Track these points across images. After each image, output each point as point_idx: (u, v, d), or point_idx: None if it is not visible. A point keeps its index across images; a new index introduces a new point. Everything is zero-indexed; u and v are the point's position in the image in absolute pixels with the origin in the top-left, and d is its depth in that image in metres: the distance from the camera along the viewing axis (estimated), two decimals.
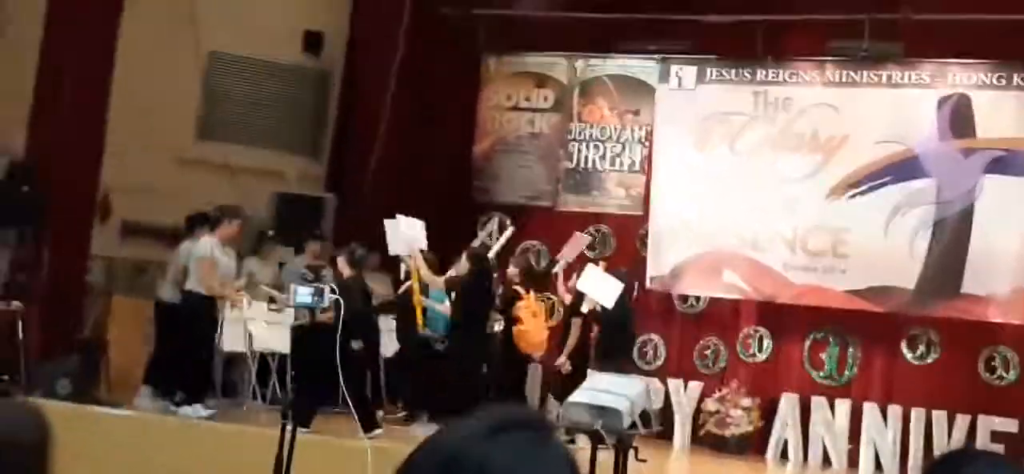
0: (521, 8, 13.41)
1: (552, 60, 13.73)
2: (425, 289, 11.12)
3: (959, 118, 11.90)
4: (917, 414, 11.88)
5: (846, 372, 12.40)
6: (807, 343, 12.55)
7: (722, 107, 12.75)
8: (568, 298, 11.63)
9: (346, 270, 10.22)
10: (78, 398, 10.05)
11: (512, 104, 13.82)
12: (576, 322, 11.36)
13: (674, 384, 12.67)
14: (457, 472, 1.34)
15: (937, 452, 11.39)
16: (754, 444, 12.23)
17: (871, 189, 12.13)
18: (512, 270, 11.47)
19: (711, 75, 12.85)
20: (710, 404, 12.36)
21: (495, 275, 11.13)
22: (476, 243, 12.18)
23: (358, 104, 13.77)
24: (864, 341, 12.38)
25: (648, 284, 12.85)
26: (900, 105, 12.23)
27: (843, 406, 12.15)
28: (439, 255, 11.32)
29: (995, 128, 11.84)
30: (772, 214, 12.42)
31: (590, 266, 11.52)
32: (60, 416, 8.59)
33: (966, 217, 11.79)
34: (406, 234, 10.42)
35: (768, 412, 12.33)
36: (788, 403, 12.31)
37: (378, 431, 9.53)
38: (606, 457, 7.80)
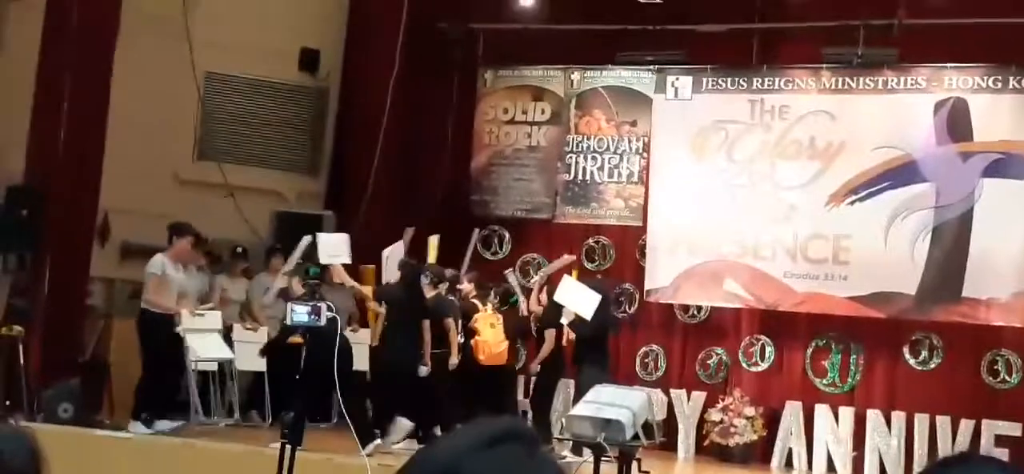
0: (517, 21, 13.42)
1: (548, 73, 13.74)
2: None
3: (956, 122, 11.91)
4: (921, 420, 11.86)
5: (849, 379, 12.38)
6: (809, 351, 12.53)
7: (719, 116, 12.76)
8: (539, 310, 11.64)
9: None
10: (80, 422, 10.05)
11: (509, 117, 13.83)
12: (549, 333, 11.38)
13: (677, 394, 12.66)
14: None
15: (941, 457, 11.37)
16: (758, 453, 12.21)
17: (870, 195, 12.13)
18: (466, 286, 11.51)
19: (707, 84, 12.86)
20: (713, 414, 12.34)
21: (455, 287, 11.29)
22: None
23: (355, 121, 13.77)
24: (866, 348, 12.36)
25: (647, 296, 12.85)
26: (897, 110, 12.24)
27: (846, 413, 12.13)
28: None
29: (992, 131, 11.85)
30: (772, 222, 12.42)
31: (566, 278, 11.56)
32: (62, 440, 8.64)
33: (965, 221, 11.79)
34: (331, 247, 10.52)
35: (772, 421, 12.31)
36: (792, 411, 12.29)
37: (376, 442, 9.52)
38: (609, 469, 7.79)
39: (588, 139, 13.52)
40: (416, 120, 13.75)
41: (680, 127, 12.87)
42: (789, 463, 12.18)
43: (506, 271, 12.48)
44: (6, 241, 11.17)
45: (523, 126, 13.77)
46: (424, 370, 10.63)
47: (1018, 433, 11.53)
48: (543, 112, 13.71)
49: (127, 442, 9.62)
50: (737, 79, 12.80)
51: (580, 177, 13.51)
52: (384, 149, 13.23)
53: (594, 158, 13.47)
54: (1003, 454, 11.18)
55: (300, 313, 7.32)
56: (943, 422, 11.80)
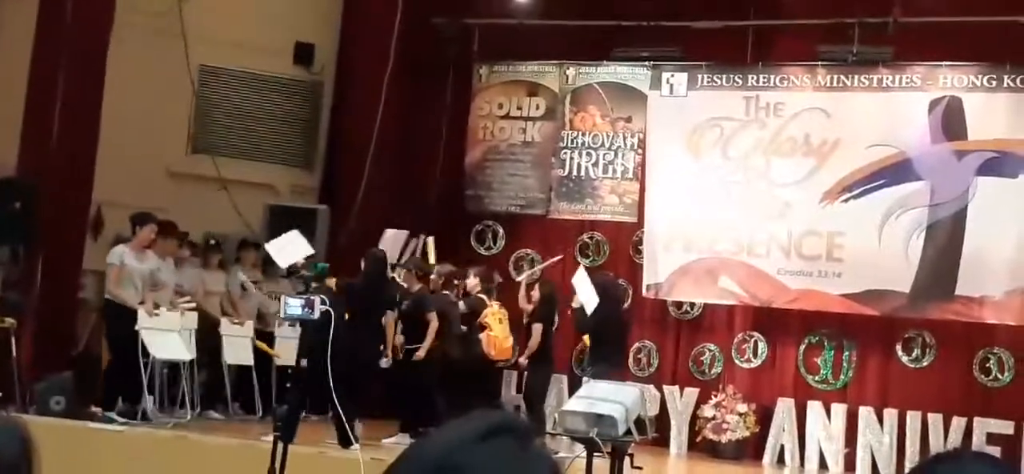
0: (512, 16, 13.41)
1: (543, 68, 13.74)
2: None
3: (950, 120, 11.92)
4: (913, 417, 11.89)
5: (842, 376, 12.40)
6: (802, 347, 12.55)
7: (714, 113, 12.76)
8: (529, 307, 11.67)
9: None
10: (72, 415, 10.03)
11: (504, 113, 13.83)
12: (536, 327, 11.45)
13: (669, 390, 12.68)
14: None
15: (933, 454, 11.40)
16: (750, 449, 12.23)
17: (864, 193, 12.14)
18: (473, 281, 11.50)
19: (702, 81, 12.87)
20: (706, 410, 12.36)
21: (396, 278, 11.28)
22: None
23: (350, 115, 13.75)
24: (859, 345, 12.39)
25: (644, 292, 12.85)
26: (891, 108, 12.25)
27: (839, 410, 12.15)
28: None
29: (987, 130, 11.86)
30: (766, 219, 12.43)
31: (581, 268, 11.64)
32: (54, 433, 8.62)
33: (959, 219, 11.80)
34: (289, 246, 10.46)
35: (764, 417, 12.33)
36: (784, 408, 12.30)
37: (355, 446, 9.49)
38: (602, 464, 7.79)
39: (583, 135, 13.52)
40: (411, 115, 13.74)
41: (675, 123, 12.87)
42: (781, 459, 12.20)
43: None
44: None
45: (518, 121, 13.76)
46: (385, 362, 10.62)
47: (1010, 431, 11.55)
48: (538, 108, 13.70)
49: (119, 435, 9.61)
50: (732, 76, 12.81)
51: (575, 173, 13.51)
52: (378, 144, 13.22)
53: (589, 154, 13.47)
54: (995, 452, 11.21)
55: (293, 306, 7.30)
56: (935, 420, 11.82)
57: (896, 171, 12.05)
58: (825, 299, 12.22)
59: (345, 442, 9.21)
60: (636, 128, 13.28)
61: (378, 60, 13.23)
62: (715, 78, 12.86)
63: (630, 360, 12.80)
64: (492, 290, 11.55)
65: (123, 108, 11.94)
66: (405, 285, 11.29)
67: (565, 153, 13.56)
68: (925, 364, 12.16)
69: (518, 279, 12.18)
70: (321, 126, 14.14)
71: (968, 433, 11.68)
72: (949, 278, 11.79)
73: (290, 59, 13.91)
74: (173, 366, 11.19)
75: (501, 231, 13.71)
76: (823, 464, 12.08)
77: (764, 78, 12.70)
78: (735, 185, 12.61)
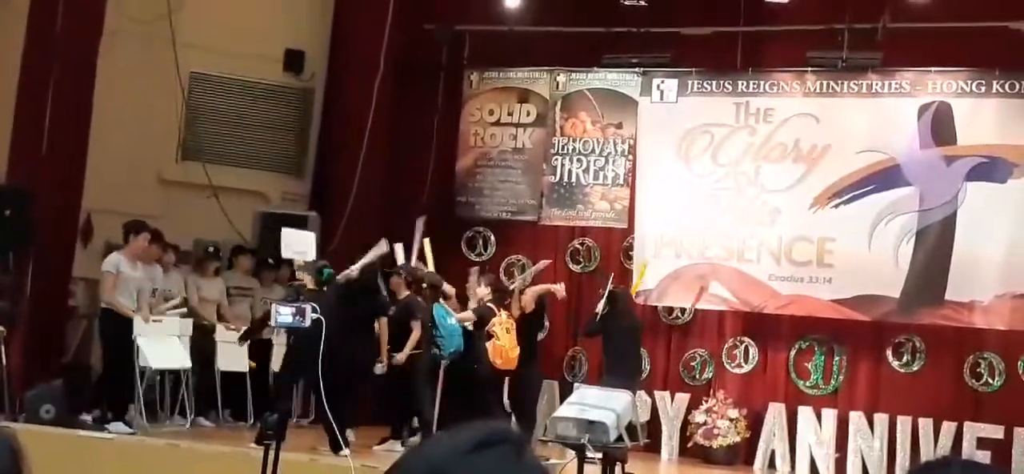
0: (503, 23, 13.42)
1: (534, 75, 13.74)
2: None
3: (940, 126, 11.95)
4: (903, 422, 11.91)
5: (832, 381, 12.42)
6: (793, 353, 12.57)
7: (704, 119, 12.78)
8: (517, 313, 11.73)
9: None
10: (62, 423, 10.00)
11: (495, 119, 13.84)
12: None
13: (660, 396, 12.68)
14: None
15: (924, 459, 11.42)
16: (741, 455, 12.25)
17: (854, 198, 12.17)
18: (483, 290, 11.50)
19: (693, 87, 12.89)
20: (697, 416, 12.37)
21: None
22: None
23: (340, 122, 13.74)
24: (850, 350, 12.41)
25: (634, 297, 12.85)
26: (881, 114, 12.28)
27: (830, 415, 12.16)
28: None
29: (976, 135, 11.90)
30: (756, 225, 12.45)
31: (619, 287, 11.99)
32: (44, 441, 8.59)
33: (949, 224, 11.83)
34: (296, 243, 10.47)
35: (755, 422, 12.34)
36: (775, 413, 12.32)
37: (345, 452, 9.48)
38: (593, 471, 7.80)
39: (573, 141, 13.53)
40: (401, 122, 13.74)
41: (665, 130, 12.89)
42: (772, 465, 12.21)
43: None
44: None
45: (509, 128, 13.77)
46: (380, 368, 10.61)
47: (1000, 436, 11.58)
48: (529, 114, 13.71)
49: (110, 443, 9.59)
50: (722, 82, 12.84)
51: (565, 179, 13.52)
52: (369, 150, 13.21)
53: (579, 160, 13.48)
54: (985, 456, 11.23)
55: (284, 315, 7.29)
56: (926, 424, 11.85)
57: (886, 177, 12.08)
58: (815, 304, 12.24)
59: (336, 447, 9.21)
60: (626, 134, 13.29)
61: (369, 67, 13.22)
62: (705, 84, 12.89)
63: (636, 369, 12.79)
64: (504, 300, 11.60)
65: (113, 115, 11.93)
66: (394, 291, 11.30)
67: (556, 159, 13.57)
68: (915, 369, 12.18)
69: (511, 286, 12.18)
70: (312, 133, 14.12)
71: (958, 438, 11.70)
72: (939, 283, 11.81)
73: (280, 66, 13.89)
74: (170, 374, 11.17)
75: (492, 237, 13.71)
76: (814, 469, 12.09)
77: (754, 84, 12.73)
78: (725, 191, 12.63)
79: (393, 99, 13.52)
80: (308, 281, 10.20)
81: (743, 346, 12.72)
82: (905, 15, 11.86)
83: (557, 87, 13.64)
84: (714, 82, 12.87)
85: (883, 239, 12.01)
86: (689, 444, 12.38)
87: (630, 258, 13.03)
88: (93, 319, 12.09)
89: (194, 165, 13.40)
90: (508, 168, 13.75)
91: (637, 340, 12.03)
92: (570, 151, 13.53)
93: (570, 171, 13.51)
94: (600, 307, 11.52)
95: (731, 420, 12.19)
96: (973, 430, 11.70)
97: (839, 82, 12.37)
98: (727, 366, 12.74)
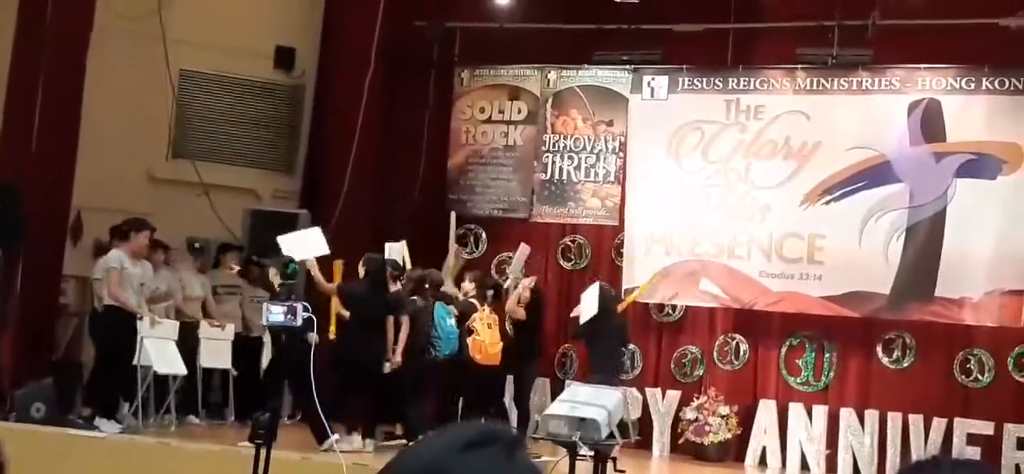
0: (494, 20, 13.42)
1: (525, 72, 13.75)
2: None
3: (929, 122, 11.99)
4: (894, 418, 11.94)
5: (823, 378, 12.44)
6: (784, 349, 12.59)
7: (695, 116, 12.80)
8: (520, 313, 11.71)
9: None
10: (53, 421, 9.97)
11: (486, 117, 13.84)
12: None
13: (652, 393, 12.70)
14: None
15: (914, 456, 11.46)
16: (732, 451, 12.27)
17: (844, 195, 12.20)
18: (467, 284, 11.50)
19: (683, 84, 12.90)
20: (688, 412, 12.39)
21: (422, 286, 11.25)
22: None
23: (331, 119, 13.73)
24: (840, 346, 12.43)
25: (623, 294, 12.86)
26: (871, 111, 12.31)
27: (820, 412, 12.20)
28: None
29: (965, 132, 11.93)
30: (747, 221, 12.48)
31: (597, 282, 11.82)
32: (35, 440, 8.55)
33: (939, 221, 11.87)
34: (302, 241, 10.41)
35: (746, 419, 12.36)
36: (766, 410, 12.35)
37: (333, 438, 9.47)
38: (584, 468, 7.80)
39: (564, 138, 13.54)
40: (392, 119, 13.73)
41: (656, 127, 12.90)
42: (763, 461, 12.24)
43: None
44: None
45: (500, 125, 13.77)
46: (388, 366, 10.60)
47: (990, 432, 11.61)
48: (520, 111, 13.72)
49: (101, 441, 9.56)
50: (713, 79, 12.86)
51: (556, 176, 13.53)
52: (360, 148, 13.20)
53: (570, 158, 13.49)
54: (975, 452, 11.29)
55: (275, 313, 7.28)
56: (916, 421, 11.88)
57: (876, 173, 12.11)
58: (806, 301, 12.27)
59: (321, 438, 9.21)
60: (617, 131, 13.30)
61: (359, 64, 13.22)
62: (696, 81, 12.91)
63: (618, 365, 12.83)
64: (487, 295, 11.57)
65: (103, 113, 11.90)
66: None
67: (547, 157, 13.58)
68: (906, 365, 12.21)
69: (504, 285, 12.17)
70: (302, 130, 14.11)
71: (949, 434, 11.74)
72: (929, 280, 11.85)
73: (271, 63, 13.87)
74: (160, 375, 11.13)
75: (483, 235, 13.71)
76: (805, 465, 12.12)
77: (744, 81, 12.74)
78: (716, 188, 12.65)
79: (384, 96, 13.51)
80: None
81: (734, 343, 12.74)
82: (895, 12, 11.88)
83: (548, 84, 13.65)
84: (705, 79, 12.89)
85: (873, 236, 12.04)
86: (680, 441, 12.40)
87: (621, 255, 13.04)
88: (84, 317, 12.06)
89: (184, 163, 13.39)
90: (499, 165, 13.76)
91: (623, 338, 12.05)
92: (561, 148, 13.54)
93: (561, 168, 13.52)
94: (584, 311, 11.37)
95: (722, 417, 12.21)
96: (963, 426, 11.73)
97: (829, 79, 12.40)
98: (718, 363, 12.76)
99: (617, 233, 13.20)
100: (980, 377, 11.93)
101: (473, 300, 11.34)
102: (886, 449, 11.86)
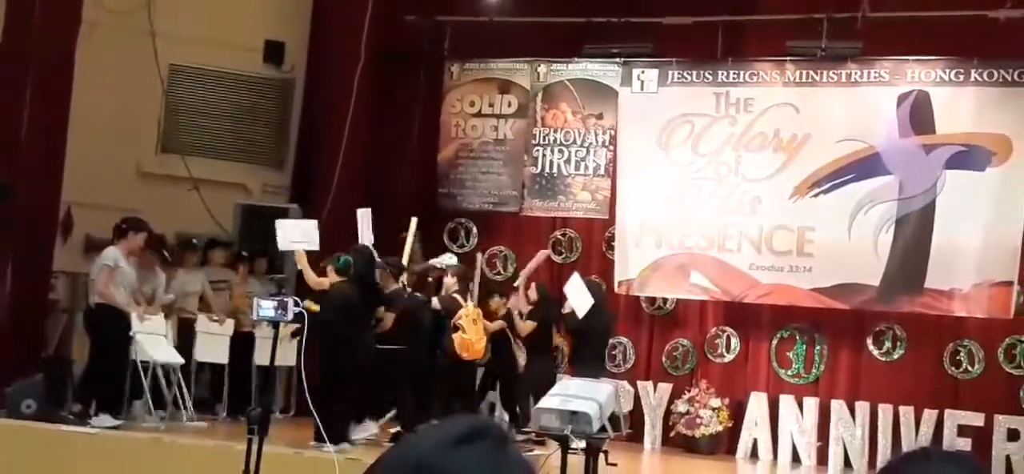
0: (484, 14, 13.41)
1: (515, 66, 13.74)
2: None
3: (919, 115, 12.01)
4: (884, 410, 11.98)
5: (813, 370, 12.47)
6: (774, 342, 12.62)
7: (685, 109, 12.81)
8: (527, 307, 11.73)
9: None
10: (43, 417, 9.96)
11: (476, 110, 13.83)
12: (529, 324, 11.64)
13: (643, 386, 12.73)
14: None
15: (905, 447, 11.49)
16: (724, 444, 12.30)
17: (834, 187, 12.22)
18: (450, 279, 11.47)
19: (673, 77, 12.91)
20: (679, 405, 12.42)
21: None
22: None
23: (321, 114, 13.70)
24: (831, 339, 12.47)
25: (616, 288, 12.88)
26: (860, 103, 12.34)
27: (811, 404, 12.23)
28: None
29: (954, 123, 11.96)
30: (737, 214, 12.50)
31: (575, 274, 11.75)
32: (26, 436, 8.52)
33: (928, 212, 11.90)
34: (294, 234, 10.39)
35: (737, 412, 12.40)
36: (757, 402, 12.38)
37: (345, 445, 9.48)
38: (576, 461, 7.81)
39: (555, 132, 13.54)
40: (382, 113, 13.71)
41: (646, 120, 12.91)
42: (754, 454, 12.27)
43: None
44: None
45: (490, 119, 13.77)
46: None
47: (981, 423, 11.65)
48: (510, 105, 13.71)
49: (91, 437, 9.54)
50: (702, 72, 12.86)
51: (547, 170, 13.53)
52: (350, 142, 13.18)
53: (561, 151, 13.49)
54: (966, 444, 11.33)
55: (266, 308, 7.27)
56: (906, 412, 11.92)
57: (865, 165, 12.13)
58: (796, 293, 12.29)
59: (323, 438, 9.19)
60: (607, 125, 13.31)
61: (349, 58, 13.19)
62: (685, 74, 12.92)
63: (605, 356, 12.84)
64: (469, 292, 11.54)
65: (92, 108, 11.87)
66: (381, 284, 11.26)
67: (537, 150, 13.58)
68: (896, 357, 12.25)
69: (515, 284, 12.15)
70: (292, 125, 14.09)
71: (939, 426, 11.78)
72: (918, 271, 11.88)
73: (260, 57, 13.85)
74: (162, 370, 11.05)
75: (474, 229, 13.71)
76: (796, 458, 12.15)
77: (734, 74, 12.76)
78: (706, 181, 12.67)
79: (373, 90, 13.49)
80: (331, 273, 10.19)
81: (725, 336, 12.77)
82: (884, 4, 11.90)
83: (538, 78, 13.64)
84: (694, 72, 12.90)
85: (863, 228, 12.07)
86: (672, 434, 12.43)
87: (612, 248, 13.05)
88: (75, 313, 12.03)
89: (174, 158, 13.36)
90: (489, 159, 13.76)
91: (612, 330, 12.06)
92: (551, 142, 13.54)
93: (551, 162, 13.52)
94: (578, 305, 11.33)
95: (713, 409, 12.24)
96: (954, 418, 11.77)
97: (819, 71, 12.42)
98: (709, 356, 12.79)
99: (608, 226, 13.21)
100: (970, 368, 11.97)
101: (456, 296, 11.32)
102: (877, 441, 11.90)
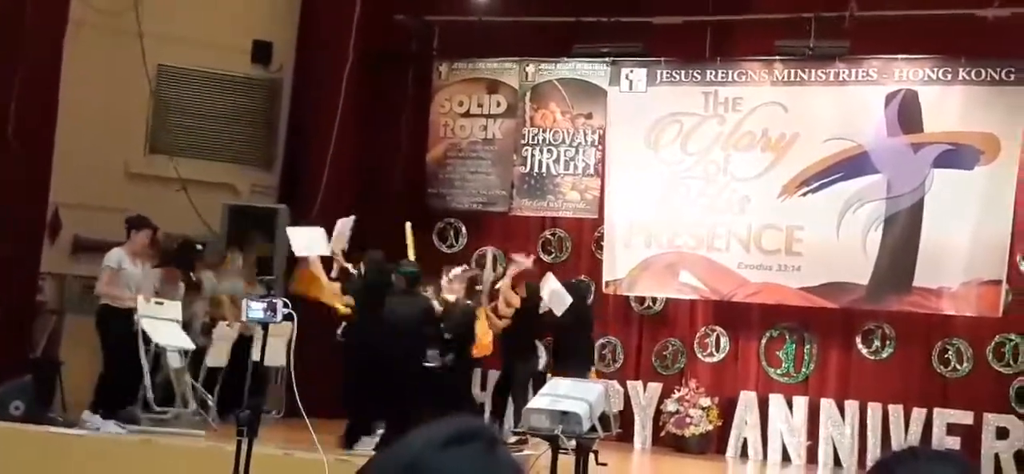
0: (472, 13, 13.41)
1: (504, 65, 13.74)
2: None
3: (907, 113, 12.04)
4: (874, 409, 12.00)
5: (803, 369, 12.50)
6: (763, 341, 12.64)
7: (673, 108, 12.83)
8: (516, 304, 11.73)
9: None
10: (32, 419, 9.91)
11: (465, 110, 13.82)
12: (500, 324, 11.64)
13: (633, 386, 12.74)
14: None
15: (894, 445, 11.52)
16: (714, 443, 12.31)
17: (822, 186, 12.25)
18: (457, 285, 11.45)
19: (662, 77, 12.93)
20: (669, 405, 12.43)
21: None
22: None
23: (309, 114, 13.68)
24: (820, 338, 12.49)
25: (604, 287, 12.89)
26: (848, 102, 12.37)
27: (801, 403, 12.25)
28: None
29: (942, 122, 11.99)
30: (726, 213, 12.51)
31: (550, 274, 11.69)
32: (14, 438, 8.47)
33: (916, 211, 11.93)
34: (308, 239, 10.41)
35: (727, 411, 12.41)
36: (746, 401, 12.39)
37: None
38: (566, 461, 7.81)
39: (544, 132, 13.54)
40: (371, 113, 13.69)
41: (635, 120, 12.92)
42: (744, 453, 12.29)
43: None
44: None
45: (479, 119, 13.76)
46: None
47: (970, 421, 11.68)
48: (499, 105, 13.71)
49: (80, 439, 9.51)
50: (691, 71, 12.88)
51: (536, 170, 13.53)
52: (338, 142, 13.16)
53: (550, 151, 13.49)
54: (955, 442, 11.36)
55: (255, 310, 7.25)
56: (896, 411, 11.94)
57: (853, 164, 12.16)
58: (784, 292, 12.31)
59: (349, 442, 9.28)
60: (596, 124, 13.31)
61: (337, 58, 13.17)
62: (674, 74, 12.93)
63: (594, 356, 12.84)
64: (480, 294, 11.58)
65: (80, 108, 11.84)
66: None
67: (526, 150, 13.58)
68: (885, 356, 12.27)
69: (497, 287, 12.13)
70: (280, 125, 14.06)
71: (928, 424, 11.81)
72: (907, 270, 11.90)
73: (248, 58, 13.82)
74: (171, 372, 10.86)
75: (463, 229, 13.70)
76: (786, 457, 12.17)
77: (723, 73, 12.78)
78: (694, 180, 12.69)
79: (362, 90, 13.47)
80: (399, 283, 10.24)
81: (714, 335, 12.78)
82: (872, 3, 11.93)
83: (527, 77, 13.65)
84: (683, 71, 12.91)
85: (851, 227, 12.09)
86: (662, 433, 12.44)
87: (601, 248, 13.06)
88: (64, 314, 11.99)
89: (162, 158, 13.32)
90: (478, 159, 13.75)
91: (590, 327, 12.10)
92: (540, 141, 13.54)
93: (540, 161, 13.52)
94: (557, 305, 11.29)
95: (703, 409, 12.25)
96: (943, 416, 11.80)
97: (807, 70, 12.44)
98: (699, 355, 12.80)
99: (597, 226, 13.22)
100: (958, 367, 12.00)
101: (469, 302, 11.29)
102: (866, 439, 11.93)
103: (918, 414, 11.88)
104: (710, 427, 12.24)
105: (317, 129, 13.31)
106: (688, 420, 12.20)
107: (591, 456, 7.88)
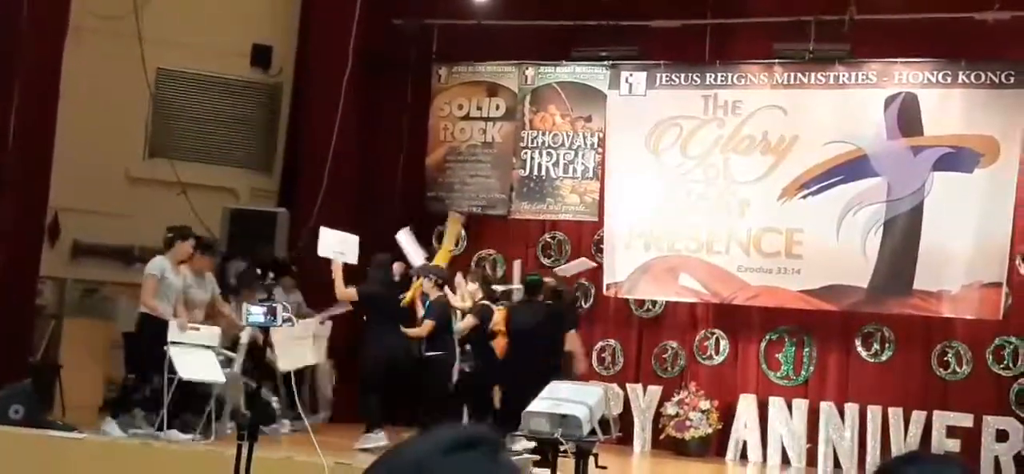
0: (472, 17, 13.41)
1: (503, 68, 13.74)
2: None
3: (907, 117, 12.04)
4: (873, 412, 11.99)
5: (802, 372, 12.49)
6: (763, 344, 12.63)
7: (673, 111, 12.83)
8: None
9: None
10: (32, 423, 9.90)
11: (464, 113, 13.82)
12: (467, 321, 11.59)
13: (633, 389, 12.72)
14: None
15: (894, 448, 11.52)
16: (714, 446, 12.30)
17: (822, 189, 12.24)
18: (473, 286, 11.45)
19: (661, 80, 12.93)
20: (669, 408, 12.42)
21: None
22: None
23: (309, 117, 13.68)
24: (819, 341, 12.48)
25: (604, 291, 12.89)
26: (848, 105, 12.36)
27: (801, 406, 12.24)
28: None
29: (942, 125, 11.99)
30: (726, 216, 12.51)
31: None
32: (14, 442, 8.48)
33: (916, 214, 11.92)
34: (335, 243, 10.42)
35: (727, 414, 12.40)
36: (746, 404, 12.38)
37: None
38: (566, 464, 7.82)
39: (543, 135, 13.54)
40: (370, 116, 13.69)
41: (634, 123, 12.92)
42: (744, 456, 12.27)
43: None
44: None
45: (478, 122, 13.76)
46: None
47: (969, 424, 11.67)
48: (498, 108, 13.71)
49: (80, 443, 9.50)
50: (690, 75, 12.88)
51: (535, 173, 13.52)
52: (338, 146, 13.15)
53: (549, 154, 13.49)
54: (955, 445, 11.36)
55: (255, 314, 7.25)
56: (896, 414, 11.93)
57: (853, 167, 12.16)
58: (784, 295, 12.31)
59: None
60: (596, 127, 13.31)
61: (337, 61, 13.16)
62: (674, 77, 12.93)
63: (594, 359, 12.84)
64: (496, 294, 11.59)
65: (79, 112, 11.83)
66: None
67: (525, 153, 13.58)
68: (884, 359, 12.26)
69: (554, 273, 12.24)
70: (280, 129, 14.07)
71: (928, 427, 11.79)
72: (907, 273, 11.90)
73: (248, 61, 13.82)
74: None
75: (462, 232, 13.68)
76: (786, 460, 12.16)
77: (722, 76, 12.78)
78: (694, 183, 12.69)
79: (361, 94, 13.47)
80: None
81: (714, 338, 12.77)
82: (872, 7, 11.93)
83: (526, 81, 13.64)
84: (682, 75, 12.91)
85: (851, 230, 12.09)
86: (661, 436, 12.42)
87: (601, 251, 13.05)
88: (62, 318, 11.99)
89: (162, 162, 13.32)
90: (478, 162, 13.75)
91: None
92: (540, 145, 13.54)
93: (540, 165, 13.52)
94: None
95: (703, 412, 12.24)
96: (942, 419, 11.79)
97: (806, 74, 12.45)
98: (698, 358, 12.79)
99: (596, 229, 13.21)
100: (958, 370, 11.99)
101: (485, 302, 11.29)
102: (866, 442, 11.91)
103: (918, 417, 11.87)
104: (710, 430, 12.24)
105: (317, 133, 13.31)
106: (688, 423, 12.20)
107: (591, 459, 7.90)
